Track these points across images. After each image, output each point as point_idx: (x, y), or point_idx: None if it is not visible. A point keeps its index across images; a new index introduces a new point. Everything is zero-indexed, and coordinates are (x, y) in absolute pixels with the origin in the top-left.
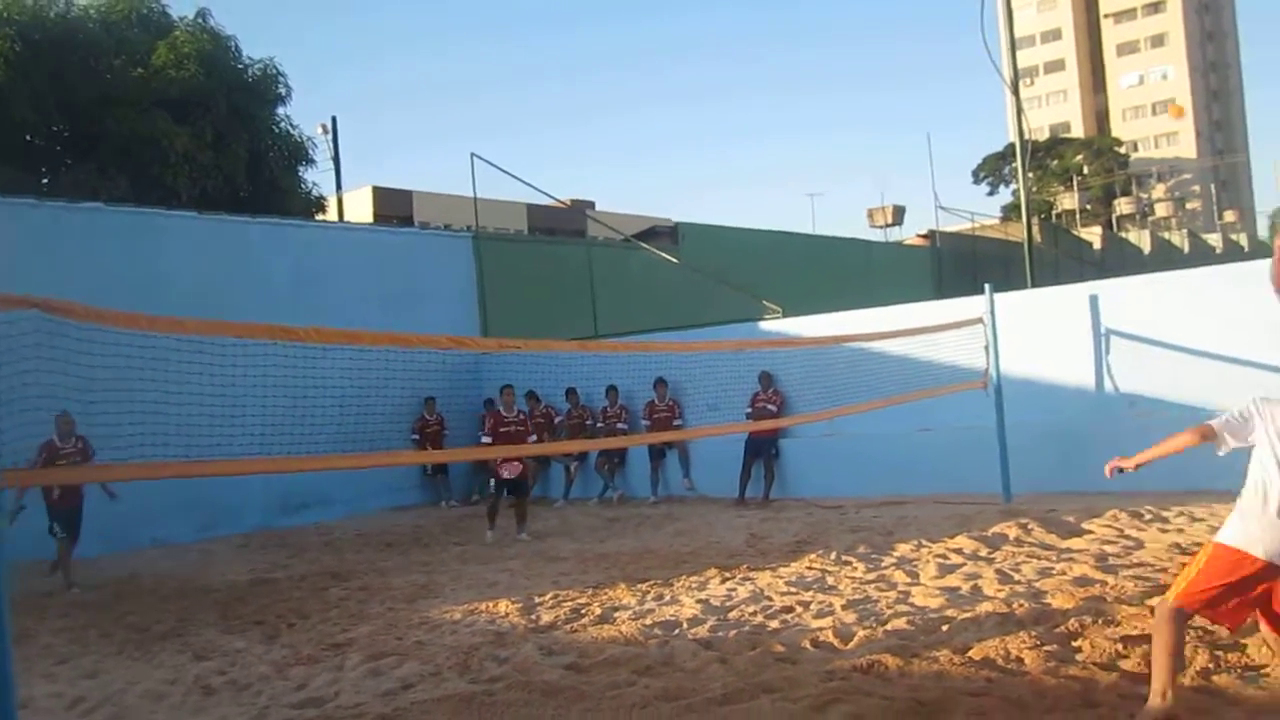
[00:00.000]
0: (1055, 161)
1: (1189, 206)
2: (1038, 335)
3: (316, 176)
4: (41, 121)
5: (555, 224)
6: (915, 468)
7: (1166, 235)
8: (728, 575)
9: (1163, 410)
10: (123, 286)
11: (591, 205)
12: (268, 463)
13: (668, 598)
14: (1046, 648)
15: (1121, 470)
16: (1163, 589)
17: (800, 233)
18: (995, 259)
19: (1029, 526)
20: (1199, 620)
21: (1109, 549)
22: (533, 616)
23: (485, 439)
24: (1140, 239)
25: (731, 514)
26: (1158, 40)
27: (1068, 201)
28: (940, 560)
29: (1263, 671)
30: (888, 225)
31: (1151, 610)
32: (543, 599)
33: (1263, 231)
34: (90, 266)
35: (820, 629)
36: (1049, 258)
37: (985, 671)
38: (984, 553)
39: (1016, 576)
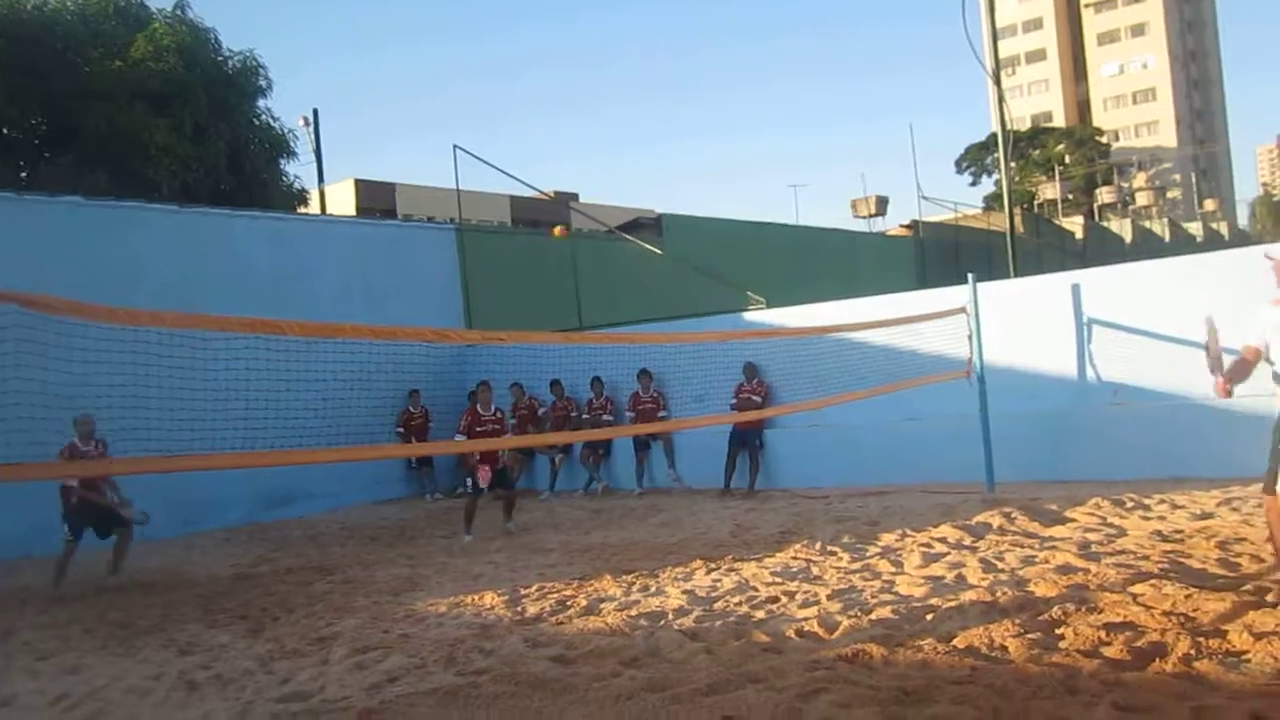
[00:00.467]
0: (1037, 151)
1: (1170, 195)
2: (1020, 325)
3: (298, 169)
4: (19, 115)
5: (539, 216)
6: (899, 458)
7: (1148, 224)
8: (713, 566)
9: (1144, 398)
10: (103, 280)
11: (575, 197)
12: (251, 457)
13: (653, 589)
14: (1030, 636)
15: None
16: (1145, 576)
17: (784, 224)
18: (978, 249)
19: (1012, 515)
20: (1180, 608)
21: (1091, 537)
22: (518, 609)
23: (459, 437)
24: (1122, 228)
25: (716, 505)
26: (1138, 30)
27: (1050, 191)
28: (924, 549)
29: (1244, 658)
30: (871, 215)
31: (1134, 598)
32: (528, 591)
33: (1243, 220)
34: (70, 260)
35: (805, 619)
36: (1031, 247)
37: (969, 660)
38: (968, 542)
39: (1000, 565)
